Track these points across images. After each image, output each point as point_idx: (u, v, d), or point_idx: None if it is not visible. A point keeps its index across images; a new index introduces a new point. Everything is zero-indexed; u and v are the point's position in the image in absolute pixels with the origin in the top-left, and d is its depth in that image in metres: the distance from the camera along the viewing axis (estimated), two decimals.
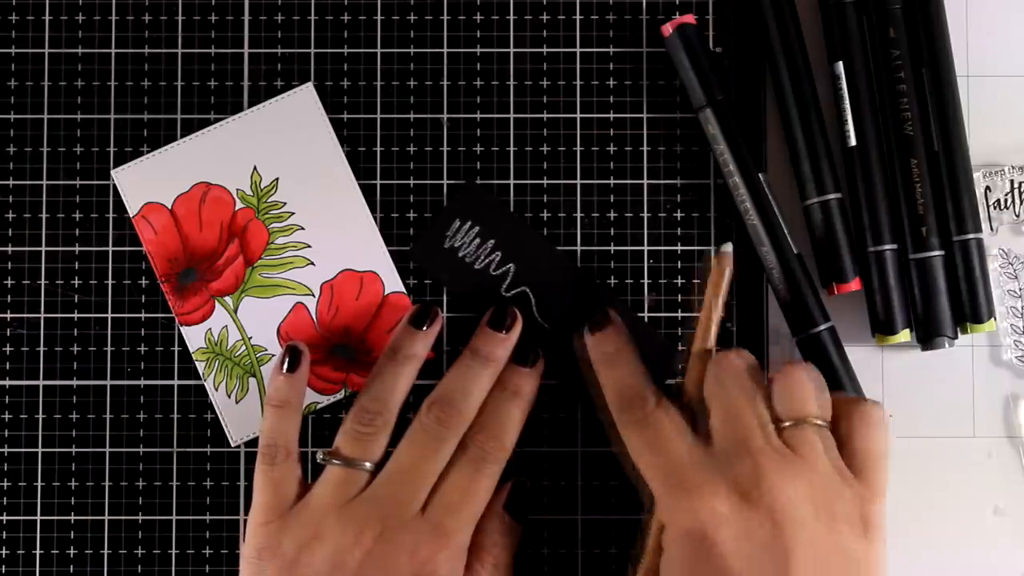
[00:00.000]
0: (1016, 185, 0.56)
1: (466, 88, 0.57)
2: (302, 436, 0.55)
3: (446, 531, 0.51)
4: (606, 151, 0.56)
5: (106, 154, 0.57)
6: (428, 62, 0.57)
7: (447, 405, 0.52)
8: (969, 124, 0.55)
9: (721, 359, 0.50)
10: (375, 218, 0.56)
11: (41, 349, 0.56)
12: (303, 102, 0.56)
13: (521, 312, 0.55)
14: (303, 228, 0.56)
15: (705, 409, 0.50)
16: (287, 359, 0.54)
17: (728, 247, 0.53)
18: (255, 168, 0.56)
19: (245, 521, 0.55)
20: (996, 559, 0.56)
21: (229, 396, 0.56)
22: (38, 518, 0.56)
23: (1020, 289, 0.56)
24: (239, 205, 0.56)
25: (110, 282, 0.56)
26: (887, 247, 0.54)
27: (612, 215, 0.56)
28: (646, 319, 0.56)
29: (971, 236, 0.54)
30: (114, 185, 0.56)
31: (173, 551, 0.56)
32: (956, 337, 0.55)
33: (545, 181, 0.56)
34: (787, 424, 0.49)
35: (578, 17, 0.57)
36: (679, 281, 0.56)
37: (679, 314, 0.56)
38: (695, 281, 0.55)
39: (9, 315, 0.56)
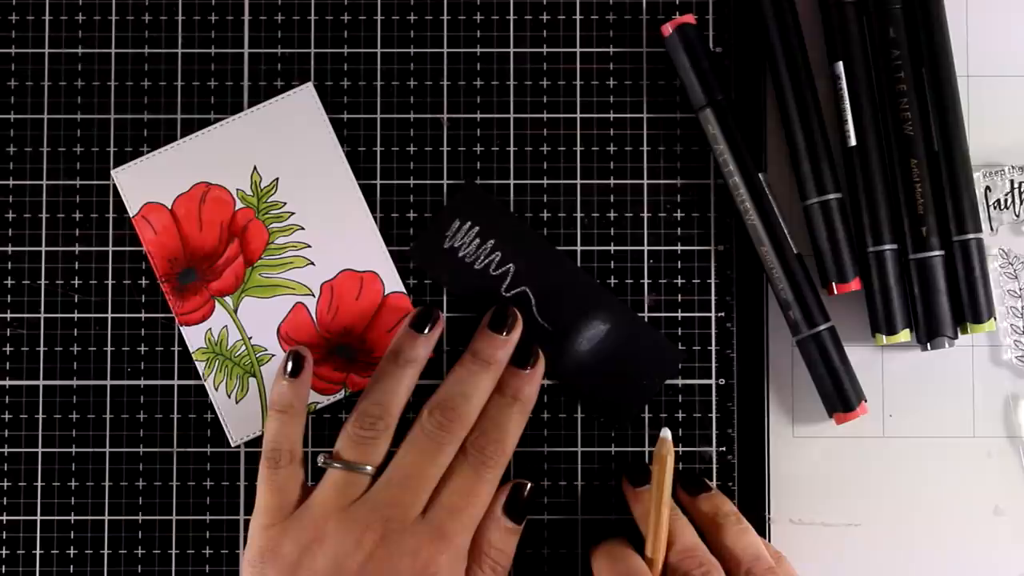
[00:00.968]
0: (1016, 185, 0.56)
1: (466, 88, 0.57)
2: (302, 438, 0.55)
3: (447, 534, 0.51)
4: (606, 151, 0.56)
5: (106, 154, 0.57)
6: (428, 62, 0.57)
7: (448, 410, 0.52)
8: (969, 124, 0.55)
9: None
10: (375, 218, 0.56)
11: (41, 349, 0.56)
12: (303, 102, 0.56)
13: (521, 312, 0.55)
14: (303, 228, 0.56)
15: None
16: (290, 364, 0.54)
17: (666, 433, 0.53)
18: (255, 168, 0.56)
19: (246, 521, 0.55)
20: (996, 559, 0.56)
21: (229, 396, 0.56)
22: (38, 518, 0.56)
23: (1020, 289, 0.56)
24: (239, 205, 0.56)
25: (110, 282, 0.56)
26: (887, 247, 0.54)
27: (612, 215, 0.56)
28: (646, 319, 0.56)
29: (971, 236, 0.54)
30: (114, 185, 0.56)
31: (173, 551, 0.56)
32: (956, 337, 0.55)
33: (545, 181, 0.56)
34: None
35: (578, 17, 0.57)
36: (679, 281, 0.56)
37: (679, 314, 0.56)
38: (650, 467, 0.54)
39: (9, 315, 0.56)
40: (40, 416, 0.56)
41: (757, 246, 0.55)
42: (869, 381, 0.56)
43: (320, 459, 0.52)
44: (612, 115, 0.56)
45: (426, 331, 0.54)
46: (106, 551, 0.56)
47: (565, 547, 0.56)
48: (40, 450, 0.56)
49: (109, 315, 0.56)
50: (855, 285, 0.55)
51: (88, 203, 0.56)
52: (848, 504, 0.56)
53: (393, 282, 0.56)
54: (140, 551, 0.56)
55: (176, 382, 0.56)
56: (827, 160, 0.55)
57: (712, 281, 0.56)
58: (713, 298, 0.56)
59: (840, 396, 0.54)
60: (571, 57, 0.57)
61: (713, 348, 0.56)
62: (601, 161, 0.56)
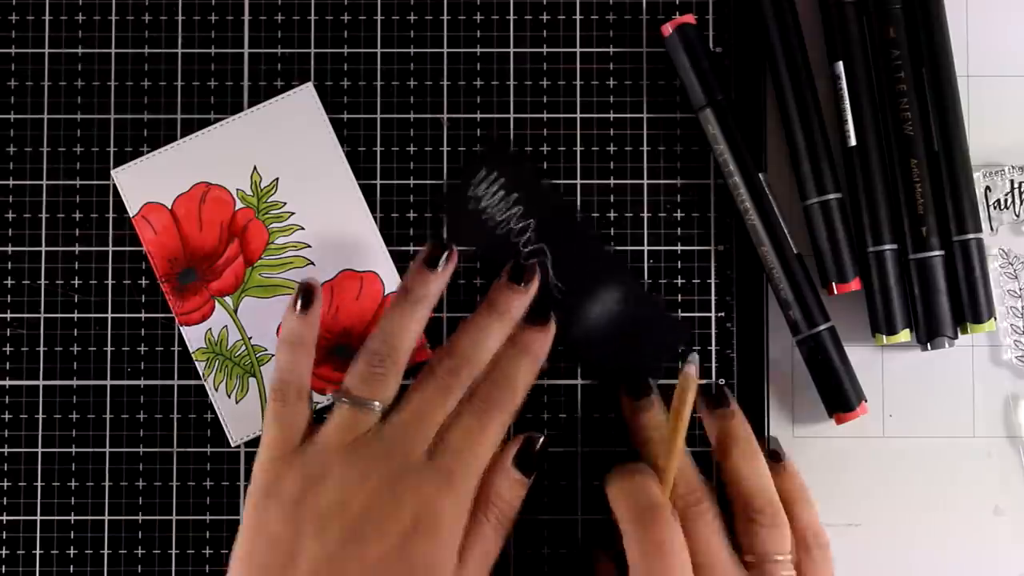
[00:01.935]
0: (1016, 185, 0.56)
1: (466, 88, 0.57)
2: None
3: (451, 476, 0.50)
4: (606, 151, 0.56)
5: (106, 154, 0.57)
6: (428, 62, 0.57)
7: (457, 355, 0.52)
8: (969, 124, 0.55)
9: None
10: (375, 218, 0.56)
11: (41, 349, 0.56)
12: (303, 102, 0.56)
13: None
14: (303, 228, 0.56)
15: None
16: (301, 297, 0.53)
17: (692, 362, 0.53)
18: (255, 168, 0.56)
19: None
20: (996, 559, 0.56)
21: (229, 396, 0.56)
22: (38, 518, 0.56)
23: (1020, 289, 0.56)
24: (239, 205, 0.56)
25: (110, 282, 0.56)
26: (887, 247, 0.54)
27: (612, 215, 0.56)
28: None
29: (971, 236, 0.54)
30: (114, 185, 0.56)
31: (173, 551, 0.56)
32: (956, 337, 0.55)
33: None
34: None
35: (578, 17, 0.57)
36: (679, 281, 0.56)
37: (679, 314, 0.56)
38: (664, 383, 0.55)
39: (9, 315, 0.56)
40: (40, 416, 0.56)
41: (757, 246, 0.55)
42: (869, 381, 0.56)
43: (329, 393, 0.52)
44: (612, 115, 0.56)
45: (439, 268, 0.53)
46: (106, 551, 0.56)
47: (565, 547, 0.56)
48: (40, 450, 0.56)
49: (109, 315, 0.56)
50: (855, 285, 0.55)
51: (88, 203, 0.56)
52: (848, 504, 0.56)
53: (393, 282, 0.56)
54: (140, 551, 0.56)
55: (176, 382, 0.56)
56: (827, 160, 0.55)
57: (712, 281, 0.56)
58: (713, 298, 0.56)
59: (840, 396, 0.54)
60: (571, 57, 0.57)
61: (713, 348, 0.56)
62: (601, 161, 0.56)
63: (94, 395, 0.56)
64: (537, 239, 0.56)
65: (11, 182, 0.57)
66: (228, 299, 0.56)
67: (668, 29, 0.55)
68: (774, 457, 0.54)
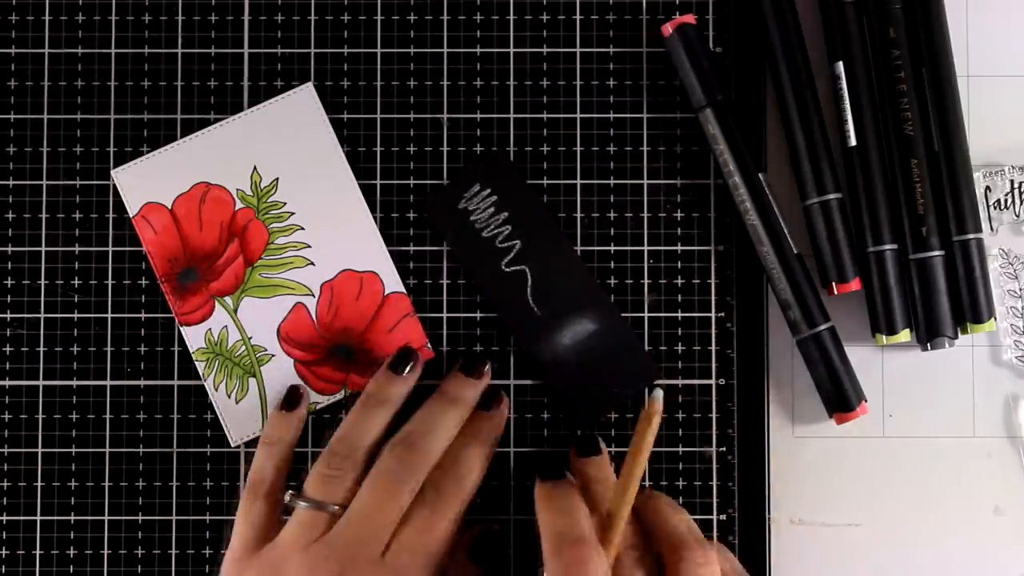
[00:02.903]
0: (1016, 185, 0.56)
1: (466, 88, 0.57)
2: (302, 436, 0.55)
3: (404, 574, 0.50)
4: (606, 151, 0.56)
5: (106, 154, 0.57)
6: (428, 62, 0.57)
7: (408, 446, 0.52)
8: (969, 124, 0.55)
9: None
10: (375, 218, 0.56)
11: (41, 349, 0.56)
12: (303, 102, 0.56)
13: (515, 293, 0.55)
14: (303, 228, 0.56)
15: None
16: (285, 398, 0.55)
17: (659, 392, 0.53)
18: (255, 168, 0.56)
19: None
20: (996, 559, 0.56)
21: (229, 396, 0.56)
22: (38, 518, 0.56)
23: (1020, 289, 0.56)
24: (239, 205, 0.56)
25: (110, 282, 0.56)
26: (887, 247, 0.54)
27: (612, 215, 0.56)
28: (646, 319, 0.56)
29: (971, 236, 0.54)
30: (114, 185, 0.56)
31: (173, 551, 0.56)
32: (956, 337, 0.55)
33: (545, 181, 0.56)
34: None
35: (578, 17, 0.57)
36: (679, 281, 0.56)
37: (679, 314, 0.56)
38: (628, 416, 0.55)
39: (9, 315, 0.56)
40: (40, 416, 0.56)
41: (757, 246, 0.55)
42: (869, 381, 0.56)
43: (287, 496, 0.52)
44: (612, 115, 0.56)
45: (404, 372, 0.54)
46: (106, 551, 0.56)
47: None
48: (40, 450, 0.56)
49: (109, 315, 0.56)
50: (855, 285, 0.55)
51: (88, 203, 0.56)
52: (848, 504, 0.56)
53: (393, 282, 0.56)
54: (140, 551, 0.56)
55: (176, 382, 0.56)
56: (827, 160, 0.55)
57: (712, 281, 0.56)
58: (713, 298, 0.56)
59: (840, 396, 0.54)
60: (571, 57, 0.57)
61: (713, 348, 0.56)
62: (601, 161, 0.56)
63: (94, 395, 0.56)
64: (520, 260, 0.56)
65: (11, 182, 0.57)
66: (228, 299, 0.56)
67: (668, 29, 0.55)
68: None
